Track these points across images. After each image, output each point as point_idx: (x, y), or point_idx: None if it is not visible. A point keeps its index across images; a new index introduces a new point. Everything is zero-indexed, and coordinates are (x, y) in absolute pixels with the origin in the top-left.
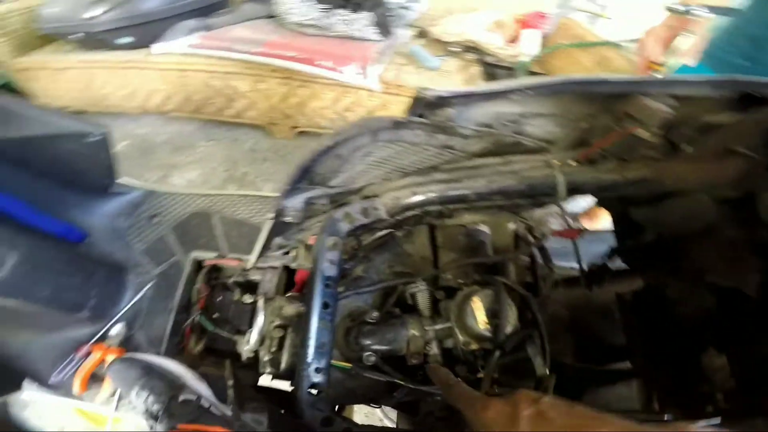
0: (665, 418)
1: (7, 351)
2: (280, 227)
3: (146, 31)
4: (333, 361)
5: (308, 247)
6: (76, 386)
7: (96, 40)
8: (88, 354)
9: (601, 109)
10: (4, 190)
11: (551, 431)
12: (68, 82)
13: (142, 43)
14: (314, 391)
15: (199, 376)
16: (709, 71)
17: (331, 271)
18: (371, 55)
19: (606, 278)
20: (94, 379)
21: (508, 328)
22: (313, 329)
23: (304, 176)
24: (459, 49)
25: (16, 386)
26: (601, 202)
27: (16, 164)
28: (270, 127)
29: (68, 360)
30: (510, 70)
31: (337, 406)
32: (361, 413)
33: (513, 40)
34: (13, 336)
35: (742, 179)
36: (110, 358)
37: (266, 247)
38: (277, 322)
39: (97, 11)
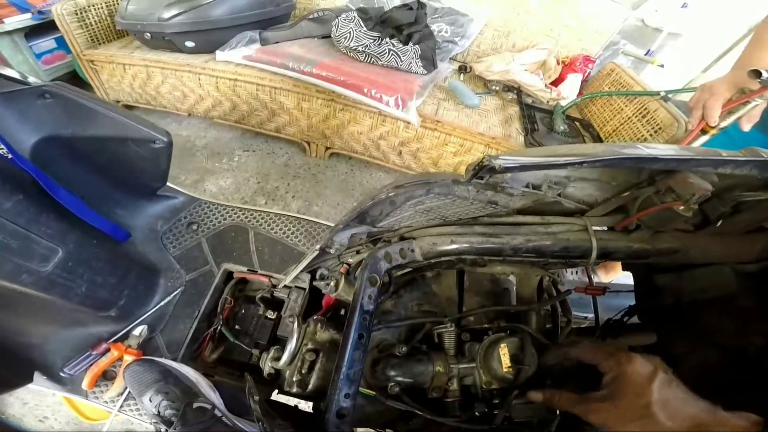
0: None
1: (26, 340)
2: (320, 256)
3: (208, 38)
4: (360, 389)
5: (348, 279)
6: (86, 382)
7: (164, 40)
8: (105, 351)
9: (644, 179)
10: (64, 184)
11: (662, 396)
12: (130, 78)
13: (202, 49)
14: (340, 418)
15: (212, 385)
16: (759, 135)
17: (369, 306)
18: (414, 88)
19: (622, 332)
20: (104, 377)
21: (530, 372)
22: (348, 358)
23: (358, 217)
24: (499, 88)
25: (28, 378)
26: (626, 266)
27: (78, 159)
28: (305, 145)
29: (84, 355)
30: (548, 113)
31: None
32: None
33: (555, 82)
34: (34, 326)
35: (763, 254)
36: (128, 358)
37: (303, 272)
38: (310, 345)
39: (171, 13)
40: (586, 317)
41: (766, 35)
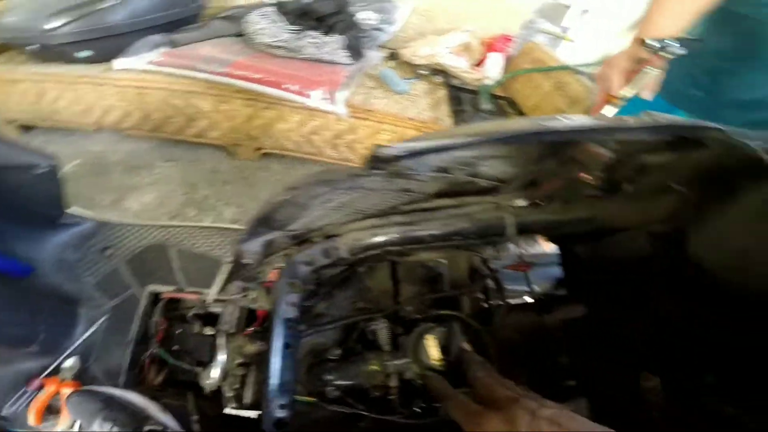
0: None
1: None
2: (238, 268)
3: (107, 46)
4: (297, 396)
5: (267, 289)
6: (31, 418)
7: (53, 52)
8: (40, 387)
9: (549, 153)
10: None
11: None
12: (18, 95)
13: (102, 58)
14: (280, 429)
15: (162, 408)
16: (665, 103)
17: (291, 313)
18: (340, 79)
19: (554, 306)
20: (50, 410)
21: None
22: (275, 369)
23: (263, 223)
24: (427, 72)
25: None
26: (550, 238)
27: None
28: (233, 149)
29: (20, 393)
30: (474, 94)
31: None
32: None
33: (479, 63)
34: None
35: (673, 215)
36: (66, 391)
37: (224, 288)
38: (239, 360)
39: (58, 23)
40: (532, 291)
41: (655, 8)
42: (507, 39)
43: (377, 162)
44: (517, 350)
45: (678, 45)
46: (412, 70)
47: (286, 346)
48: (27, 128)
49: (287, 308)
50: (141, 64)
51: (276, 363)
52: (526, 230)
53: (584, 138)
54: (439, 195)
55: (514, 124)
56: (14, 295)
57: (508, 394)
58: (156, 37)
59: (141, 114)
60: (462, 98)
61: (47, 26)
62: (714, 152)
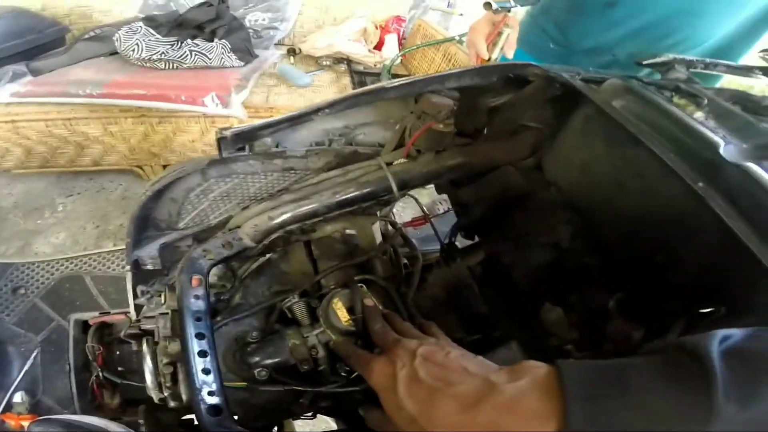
0: None
1: None
2: (140, 276)
3: None
4: (229, 383)
5: (171, 288)
6: None
7: None
8: (1, 423)
9: (405, 110)
10: None
11: (423, 393)
12: None
13: None
14: (214, 415)
15: (125, 427)
16: (531, 58)
17: (198, 305)
18: (231, 82)
19: (456, 255)
20: None
21: None
22: (193, 359)
23: (144, 227)
24: (329, 62)
25: None
26: (438, 189)
27: None
28: (138, 170)
29: None
30: (377, 76)
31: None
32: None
33: (377, 46)
34: None
35: (534, 149)
36: (25, 423)
37: (135, 297)
38: (165, 360)
39: None
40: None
41: None
42: (399, 20)
43: (226, 144)
44: (443, 305)
45: (517, 3)
46: (315, 62)
47: (199, 335)
48: None
49: (194, 301)
50: (4, 98)
51: (192, 353)
52: (408, 185)
53: (422, 90)
54: (329, 169)
55: (355, 91)
56: None
57: (394, 337)
58: (13, 67)
59: (22, 150)
60: (366, 82)
61: None
62: (538, 86)
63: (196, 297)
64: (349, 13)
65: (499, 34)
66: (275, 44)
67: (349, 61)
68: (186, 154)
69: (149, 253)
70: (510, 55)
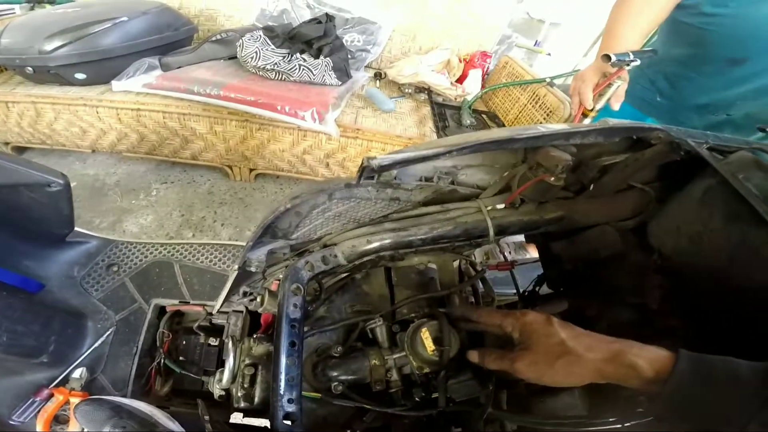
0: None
1: None
2: (244, 276)
3: (102, 68)
4: (304, 393)
5: (272, 293)
6: (39, 427)
7: (49, 74)
8: (49, 397)
9: (519, 159)
10: None
11: (570, 333)
12: (15, 116)
13: (97, 80)
14: (288, 421)
15: (169, 416)
16: (634, 111)
17: (296, 314)
18: (330, 99)
19: (537, 302)
20: (58, 420)
21: (452, 352)
22: (283, 365)
23: (267, 233)
24: (411, 90)
25: None
26: (528, 238)
27: None
28: (227, 170)
29: (28, 402)
30: (457, 109)
31: None
32: None
33: (460, 79)
34: None
35: (637, 211)
36: (74, 400)
37: (231, 294)
38: (248, 361)
39: (53, 45)
40: (515, 293)
41: (614, 24)
42: (485, 55)
43: (366, 171)
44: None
45: (636, 57)
46: (398, 88)
47: (292, 344)
48: (20, 149)
49: (292, 309)
50: (137, 87)
51: (283, 360)
52: (505, 231)
53: (545, 143)
54: (425, 203)
55: (483, 135)
56: (26, 309)
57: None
58: (149, 60)
59: (137, 136)
60: (445, 114)
61: (44, 48)
62: (660, 150)
63: (295, 306)
64: (435, 44)
65: (609, 85)
66: (364, 67)
67: (430, 92)
68: (273, 161)
69: (258, 257)
70: (616, 107)
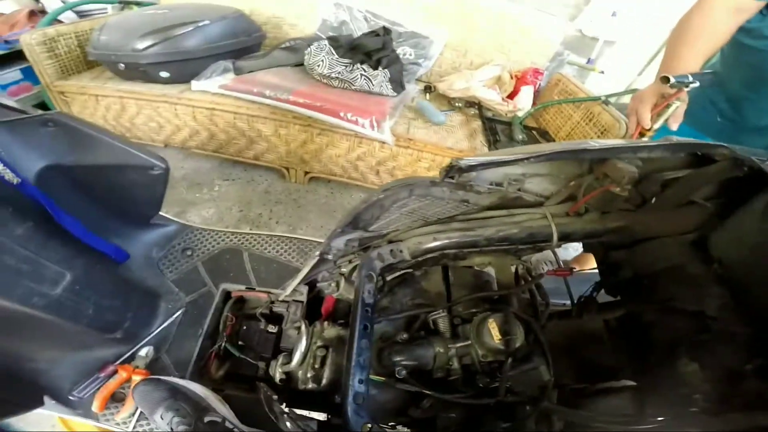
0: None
1: (34, 365)
2: (321, 262)
3: (183, 68)
4: (371, 375)
5: (348, 280)
6: (96, 405)
7: (137, 71)
8: (113, 373)
9: (585, 170)
10: (66, 211)
11: None
12: (103, 109)
13: (176, 79)
14: (356, 402)
15: (221, 399)
16: (692, 132)
17: (370, 299)
18: (387, 109)
19: (594, 308)
20: (114, 398)
21: (518, 343)
22: (357, 346)
23: (353, 221)
24: (461, 104)
25: (39, 402)
26: (587, 247)
27: (78, 187)
28: (284, 171)
29: (92, 378)
30: (507, 125)
31: None
32: None
33: (511, 95)
34: (42, 351)
35: (697, 225)
36: (136, 378)
37: (304, 279)
38: (320, 343)
39: (145, 44)
40: (564, 303)
41: (674, 47)
42: (537, 72)
43: (453, 170)
44: (559, 352)
45: (696, 80)
46: (448, 102)
47: (365, 327)
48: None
49: (367, 295)
50: (213, 88)
51: (357, 341)
52: (568, 238)
53: (614, 155)
54: (491, 208)
55: (557, 145)
56: (114, 282)
57: None
58: (224, 63)
59: (207, 134)
60: (496, 129)
61: (137, 47)
62: (723, 166)
63: (369, 292)
64: (486, 60)
65: (668, 106)
66: (415, 80)
67: (480, 106)
68: (328, 166)
69: (338, 245)
70: (675, 127)
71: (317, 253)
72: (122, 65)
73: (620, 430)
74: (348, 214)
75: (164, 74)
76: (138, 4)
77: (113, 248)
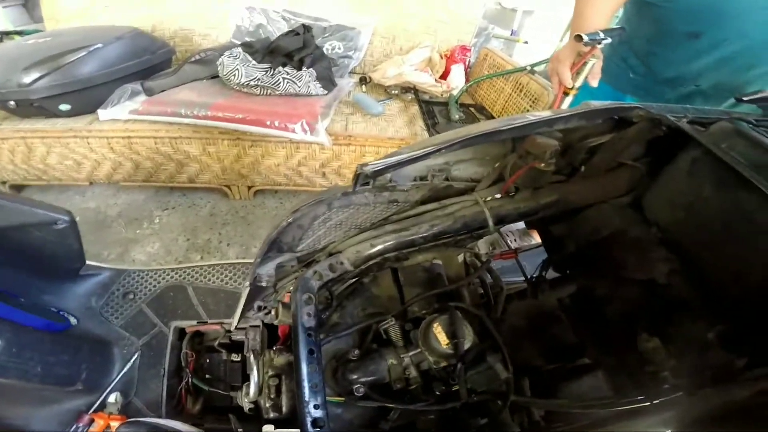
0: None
1: (12, 424)
2: (256, 291)
3: (85, 98)
4: (328, 398)
5: (285, 305)
6: None
7: (33, 107)
8: (90, 422)
9: (509, 149)
10: None
11: None
12: (6, 154)
13: (83, 110)
14: (317, 428)
15: None
16: (611, 90)
17: (310, 322)
18: (318, 109)
19: (547, 287)
20: None
21: (467, 344)
22: (304, 373)
23: (272, 248)
24: (398, 91)
25: None
26: (528, 225)
27: None
28: (226, 189)
29: (72, 428)
30: (444, 106)
31: None
32: None
33: (444, 75)
34: (14, 412)
35: (630, 187)
36: (114, 424)
37: (245, 310)
38: (271, 372)
39: (32, 77)
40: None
41: (581, 7)
42: (464, 48)
43: (363, 179)
44: (524, 334)
45: (607, 36)
46: (384, 91)
47: (310, 352)
48: (18, 188)
49: (306, 318)
50: (123, 114)
51: (304, 368)
52: (504, 220)
53: (531, 132)
54: (423, 202)
55: (469, 129)
56: (55, 340)
57: None
58: (131, 86)
59: (131, 164)
60: (434, 111)
61: (22, 81)
62: (642, 127)
63: (308, 314)
64: (415, 43)
65: (585, 63)
66: (348, 73)
67: (416, 90)
68: (270, 177)
69: (267, 272)
70: (594, 84)
71: (247, 283)
72: (12, 103)
73: (597, 412)
74: (264, 242)
75: (64, 107)
76: (20, 33)
77: (46, 323)
